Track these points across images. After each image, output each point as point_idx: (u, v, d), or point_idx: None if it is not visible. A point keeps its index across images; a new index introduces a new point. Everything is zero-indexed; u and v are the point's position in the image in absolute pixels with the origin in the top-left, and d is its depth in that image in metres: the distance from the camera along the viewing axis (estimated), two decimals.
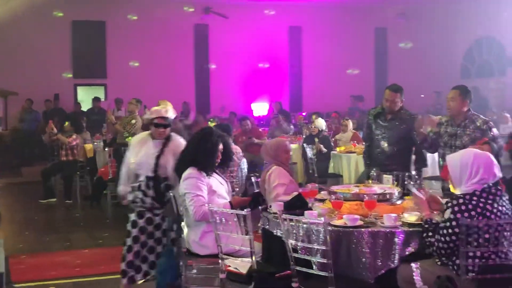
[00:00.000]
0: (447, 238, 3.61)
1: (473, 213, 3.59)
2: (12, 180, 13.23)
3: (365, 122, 13.18)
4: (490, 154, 3.80)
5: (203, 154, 4.79)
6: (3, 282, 4.64)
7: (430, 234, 3.73)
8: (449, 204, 3.69)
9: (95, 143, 11.40)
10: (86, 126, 12.75)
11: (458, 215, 3.59)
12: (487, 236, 3.58)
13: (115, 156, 9.86)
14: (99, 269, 6.44)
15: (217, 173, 4.97)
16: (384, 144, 6.12)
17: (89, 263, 6.76)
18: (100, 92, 17.23)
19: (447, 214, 3.67)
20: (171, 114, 5.37)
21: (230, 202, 4.72)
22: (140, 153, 5.32)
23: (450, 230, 3.60)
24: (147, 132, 5.51)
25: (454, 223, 3.60)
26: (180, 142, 5.35)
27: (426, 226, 3.79)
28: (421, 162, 6.09)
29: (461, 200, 3.64)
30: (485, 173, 3.69)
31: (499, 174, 3.77)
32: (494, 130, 5.47)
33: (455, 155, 3.91)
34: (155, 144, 5.32)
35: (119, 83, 16.83)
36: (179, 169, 4.85)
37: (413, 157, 6.15)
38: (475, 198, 3.63)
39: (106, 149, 10.04)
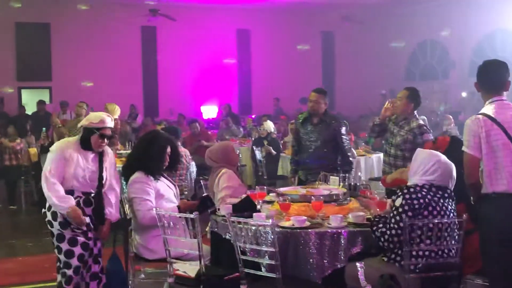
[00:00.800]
0: (400, 224, 3.69)
1: (421, 201, 3.71)
2: None
3: None
4: (454, 167, 3.87)
5: (150, 158, 4.74)
6: None
7: (381, 225, 3.81)
8: (400, 193, 3.80)
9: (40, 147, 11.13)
10: (31, 129, 12.43)
11: (409, 201, 3.71)
12: (430, 233, 3.68)
13: None
14: (43, 276, 6.29)
15: (165, 177, 4.94)
16: (311, 148, 6.21)
17: (33, 270, 6.60)
18: (45, 95, 16.84)
19: (398, 202, 3.77)
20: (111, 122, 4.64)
21: (178, 206, 4.70)
22: (73, 165, 4.49)
23: (403, 216, 3.68)
24: (73, 139, 4.65)
25: (406, 207, 3.70)
26: (111, 152, 4.78)
27: (376, 219, 3.88)
28: (347, 166, 6.18)
29: (412, 189, 3.77)
30: (440, 176, 3.80)
31: (451, 186, 3.87)
32: (426, 136, 5.58)
33: (425, 150, 4.06)
34: (91, 156, 4.58)
35: (64, 85, 16.50)
36: (126, 173, 4.80)
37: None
38: (425, 190, 3.76)
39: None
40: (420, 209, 3.72)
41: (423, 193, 3.75)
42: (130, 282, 4.82)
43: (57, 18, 16.65)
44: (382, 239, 3.79)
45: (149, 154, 4.75)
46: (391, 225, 3.75)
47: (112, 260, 4.91)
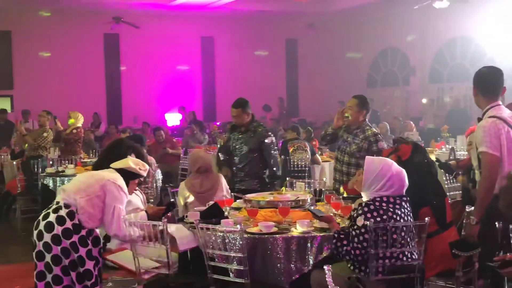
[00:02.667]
0: (364, 244, 3.72)
1: (384, 217, 3.74)
2: None
3: (275, 131, 13.42)
4: (405, 173, 3.90)
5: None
6: None
7: (345, 242, 3.81)
8: (360, 212, 3.80)
9: (2, 156, 10.96)
10: None
11: (371, 221, 3.70)
12: (394, 236, 3.77)
13: (23, 169, 9.55)
14: (6, 286, 6.21)
15: None
16: (238, 155, 6.24)
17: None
18: (6, 104, 16.54)
19: (360, 221, 3.76)
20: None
21: (145, 210, 4.69)
22: None
23: (366, 236, 3.71)
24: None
25: (369, 227, 3.70)
26: None
27: (341, 236, 3.85)
28: (272, 179, 6.21)
29: (372, 206, 3.78)
30: (397, 190, 3.84)
31: (404, 191, 3.94)
32: (381, 144, 5.64)
33: (376, 160, 3.99)
34: None
35: (26, 94, 16.26)
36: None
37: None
38: (384, 205, 3.78)
39: (15, 162, 9.68)
40: (384, 223, 3.75)
41: (383, 207, 3.77)
42: None
43: (18, 26, 16.40)
44: (347, 257, 3.83)
45: (111, 162, 4.69)
46: (355, 244, 3.75)
47: None
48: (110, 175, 4.16)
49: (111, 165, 4.30)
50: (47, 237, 3.95)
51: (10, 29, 16.63)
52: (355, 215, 3.85)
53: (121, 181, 4.14)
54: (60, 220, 3.96)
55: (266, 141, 6.14)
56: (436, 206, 4.21)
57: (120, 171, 4.23)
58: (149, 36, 17.42)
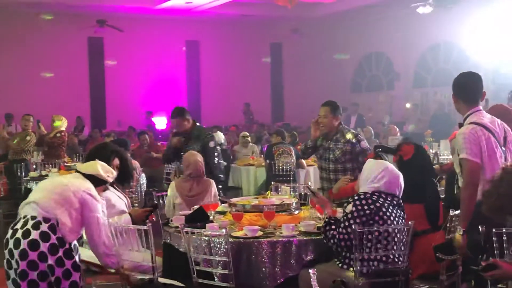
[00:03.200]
0: (348, 230, 3.84)
1: (372, 206, 3.86)
2: None
3: (261, 136, 13.42)
4: (401, 176, 4.04)
5: None
6: None
7: (333, 227, 3.95)
8: (351, 200, 3.96)
9: None
10: None
11: (359, 207, 3.86)
12: (379, 240, 3.81)
13: (6, 173, 9.46)
14: None
15: (115, 188, 4.89)
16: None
17: None
18: None
19: (349, 208, 3.92)
20: None
21: (129, 213, 4.61)
22: None
23: (351, 221, 3.84)
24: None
25: (356, 214, 3.85)
26: None
27: (331, 221, 4.01)
28: (216, 179, 6.26)
29: (362, 196, 3.92)
30: (388, 184, 3.96)
31: (398, 194, 4.02)
32: (363, 143, 5.70)
33: (373, 160, 4.22)
34: None
35: (8, 97, 16.10)
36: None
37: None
38: (375, 196, 3.92)
39: None
40: (371, 215, 3.85)
41: (373, 199, 3.90)
42: None
43: (0, 28, 16.26)
44: (332, 241, 3.94)
45: None
46: (341, 229, 3.89)
47: None
48: (84, 184, 4.00)
49: (79, 168, 4.18)
50: (32, 255, 3.70)
51: None
52: (346, 204, 4.02)
53: (94, 190, 4.02)
54: (44, 236, 3.74)
55: (209, 144, 6.36)
56: (430, 205, 4.27)
57: (89, 177, 4.10)
58: (133, 40, 17.36)
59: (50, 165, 9.12)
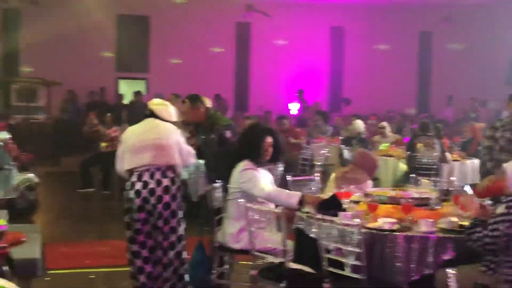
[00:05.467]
0: (496, 233, 3.54)
1: None
2: (51, 169, 13.42)
3: (404, 126, 13.02)
4: None
5: (248, 147, 4.81)
6: (37, 268, 4.69)
7: (479, 229, 3.65)
8: (504, 200, 3.64)
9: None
10: (126, 118, 12.87)
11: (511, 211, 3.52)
12: None
13: None
14: None
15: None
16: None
17: (122, 254, 6.80)
18: (141, 86, 17.41)
19: (500, 209, 3.61)
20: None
21: (303, 195, 4.62)
22: None
23: (500, 225, 3.53)
24: None
25: (506, 217, 3.53)
26: None
27: (476, 222, 3.71)
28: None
29: None
30: None
31: None
32: None
33: None
34: None
35: (160, 78, 16.98)
36: (231, 163, 4.86)
37: None
38: None
39: None
40: None
41: None
42: (214, 272, 4.89)
43: (156, 12, 17.13)
44: (477, 243, 3.65)
45: (246, 143, 4.87)
46: (488, 232, 3.59)
47: (198, 249, 5.04)
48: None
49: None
50: (166, 198, 4.79)
51: (148, 15, 17.42)
52: (496, 204, 3.73)
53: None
54: (173, 182, 4.85)
55: (226, 134, 5.96)
56: None
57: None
58: (280, 26, 17.50)
59: None
